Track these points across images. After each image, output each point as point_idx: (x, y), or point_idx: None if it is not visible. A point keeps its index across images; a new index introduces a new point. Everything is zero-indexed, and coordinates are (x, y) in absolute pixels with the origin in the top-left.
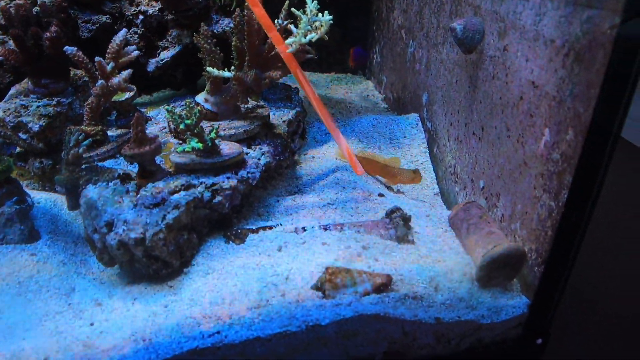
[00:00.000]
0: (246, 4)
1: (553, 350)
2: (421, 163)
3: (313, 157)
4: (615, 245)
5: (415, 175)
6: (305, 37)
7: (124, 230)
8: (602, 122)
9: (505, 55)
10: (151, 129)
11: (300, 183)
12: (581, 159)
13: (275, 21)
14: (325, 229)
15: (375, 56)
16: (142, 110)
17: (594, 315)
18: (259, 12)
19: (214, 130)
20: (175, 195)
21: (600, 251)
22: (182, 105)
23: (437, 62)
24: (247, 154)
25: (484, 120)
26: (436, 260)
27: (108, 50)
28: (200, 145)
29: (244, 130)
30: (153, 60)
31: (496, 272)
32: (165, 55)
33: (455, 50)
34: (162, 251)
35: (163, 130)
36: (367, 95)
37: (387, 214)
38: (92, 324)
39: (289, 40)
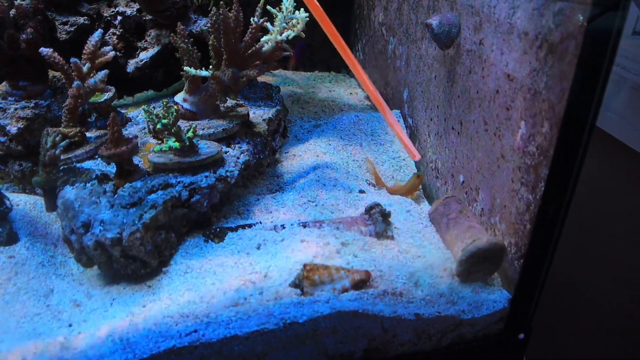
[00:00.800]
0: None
1: (536, 344)
2: (403, 159)
3: (294, 156)
4: (599, 237)
5: (418, 180)
6: (280, 35)
7: (100, 230)
8: (576, 113)
9: (481, 49)
10: (131, 130)
11: (281, 181)
12: (557, 151)
13: (251, 19)
14: (305, 226)
15: (358, 54)
16: (123, 111)
17: (577, 308)
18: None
19: (192, 129)
20: (153, 195)
21: (585, 244)
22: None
23: (417, 58)
24: (226, 152)
25: (462, 115)
26: (416, 256)
27: (84, 51)
28: (177, 144)
29: (223, 129)
30: (132, 61)
31: (476, 266)
32: (145, 55)
33: (433, 46)
34: (140, 251)
35: (143, 131)
36: (351, 93)
37: (367, 210)
38: (70, 325)
39: (265, 37)
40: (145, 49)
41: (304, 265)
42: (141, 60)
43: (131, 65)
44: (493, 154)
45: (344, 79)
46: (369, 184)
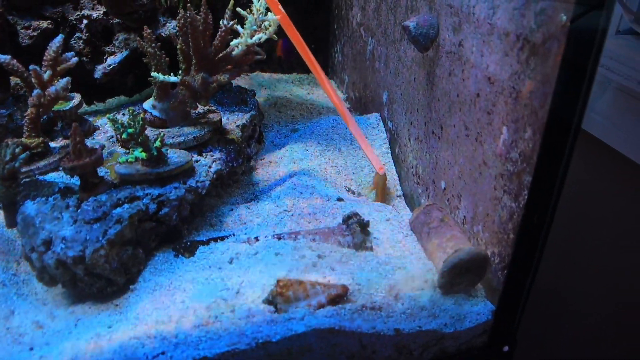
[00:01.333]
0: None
1: (521, 356)
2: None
3: (270, 162)
4: (584, 242)
5: (379, 178)
6: (251, 38)
7: (62, 248)
8: (560, 118)
9: (461, 50)
10: (99, 138)
11: (256, 189)
12: (540, 157)
13: (220, 22)
14: (279, 238)
15: (336, 55)
16: (90, 119)
17: (563, 317)
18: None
19: (159, 139)
20: (118, 209)
21: (570, 249)
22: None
23: (396, 60)
24: (197, 161)
25: (443, 119)
26: (396, 267)
27: (44, 58)
28: (144, 155)
29: (194, 137)
30: (100, 67)
31: (459, 277)
32: (113, 60)
33: (412, 48)
34: (105, 268)
35: (111, 140)
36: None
37: (344, 220)
38: (31, 349)
39: (235, 41)
40: (113, 53)
41: (278, 281)
42: (109, 66)
43: (99, 70)
44: (475, 160)
45: None
46: (348, 191)
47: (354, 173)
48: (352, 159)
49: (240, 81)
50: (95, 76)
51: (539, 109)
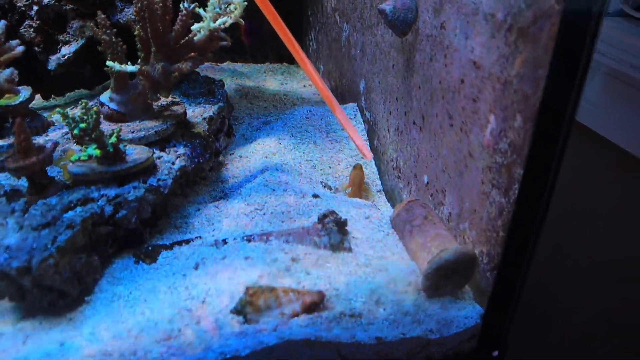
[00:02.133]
0: None
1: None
2: (361, 157)
3: (241, 157)
4: (577, 236)
5: (360, 171)
6: (214, 22)
7: (5, 258)
8: (554, 105)
9: (443, 33)
10: (53, 135)
11: (225, 187)
12: (532, 148)
13: (180, 4)
14: (249, 240)
15: (311, 43)
16: (45, 114)
17: (555, 317)
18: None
19: (115, 134)
20: (70, 212)
21: (562, 244)
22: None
23: (373, 46)
24: (159, 158)
25: (424, 108)
26: (377, 270)
27: None
28: (98, 152)
29: (155, 132)
30: (54, 57)
31: (444, 279)
32: (67, 50)
33: (390, 32)
34: (55, 280)
35: (66, 136)
36: (304, 86)
37: (319, 219)
38: None
39: (196, 26)
40: (67, 42)
41: (247, 289)
42: (63, 56)
43: (52, 61)
44: (460, 152)
45: (297, 70)
46: (325, 187)
47: (330, 167)
48: (328, 152)
49: (210, 71)
50: (49, 67)
51: (530, 95)
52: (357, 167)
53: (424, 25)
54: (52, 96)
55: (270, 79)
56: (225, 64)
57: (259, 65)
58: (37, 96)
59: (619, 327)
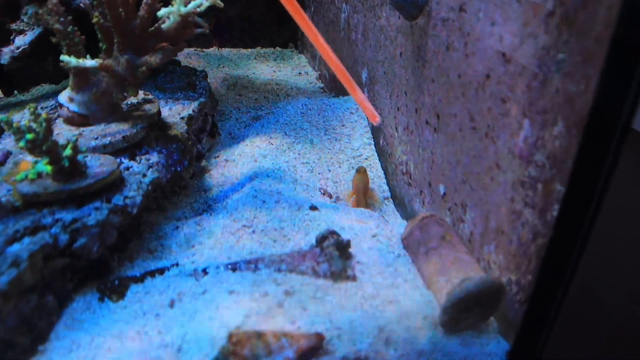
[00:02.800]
0: None
1: None
2: (365, 158)
3: (227, 161)
4: (624, 261)
5: (364, 175)
6: (185, 6)
7: None
8: (606, 109)
9: (463, 17)
10: (7, 142)
11: (209, 198)
12: (577, 162)
13: None
14: (235, 269)
15: None
16: (4, 115)
17: (588, 346)
18: None
19: (70, 145)
20: (15, 245)
21: (605, 269)
22: (49, 107)
23: (376, 30)
24: (128, 168)
25: (440, 106)
26: (386, 302)
27: None
28: (48, 168)
29: (123, 137)
30: (7, 50)
31: (466, 312)
32: (22, 41)
33: (397, 14)
34: None
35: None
36: (300, 73)
37: (318, 242)
38: None
39: (163, 10)
40: (21, 32)
41: (230, 336)
42: (18, 48)
43: (5, 54)
44: (484, 161)
45: (292, 55)
46: (324, 194)
47: (329, 170)
48: (326, 152)
49: (194, 58)
50: (2, 62)
51: (576, 96)
52: (361, 171)
53: (439, 7)
54: (15, 92)
55: (261, 66)
56: (211, 49)
57: (249, 50)
58: None
59: None
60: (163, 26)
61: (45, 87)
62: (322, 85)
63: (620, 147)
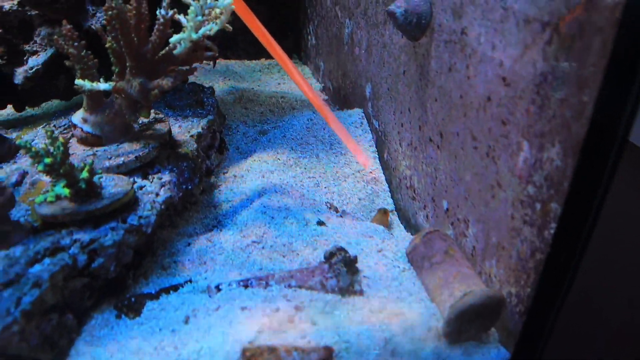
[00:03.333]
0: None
1: None
2: (370, 171)
3: (235, 177)
4: (622, 287)
5: (384, 216)
6: (196, 32)
7: None
8: (601, 134)
9: (464, 40)
10: (22, 162)
11: (218, 213)
12: (573, 185)
13: (157, 12)
14: (246, 286)
15: (309, 37)
16: (12, 135)
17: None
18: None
19: (87, 168)
20: (37, 266)
21: (604, 292)
22: (62, 126)
23: (380, 47)
24: (141, 188)
25: (442, 124)
26: (392, 315)
27: None
28: (66, 191)
29: (136, 157)
30: (20, 70)
31: (468, 324)
32: (35, 61)
33: (399, 33)
34: (21, 348)
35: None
36: None
37: (326, 258)
38: None
39: (176, 37)
40: (35, 52)
41: (243, 351)
42: (31, 68)
43: (19, 74)
44: (485, 179)
45: (296, 66)
46: (330, 208)
47: (335, 185)
48: (332, 166)
49: (200, 72)
50: (16, 82)
51: (572, 121)
52: (381, 212)
53: (441, 29)
54: (25, 108)
55: (266, 79)
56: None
57: (253, 62)
58: (10, 108)
59: None
60: (175, 51)
61: (54, 103)
62: (326, 97)
63: (614, 170)
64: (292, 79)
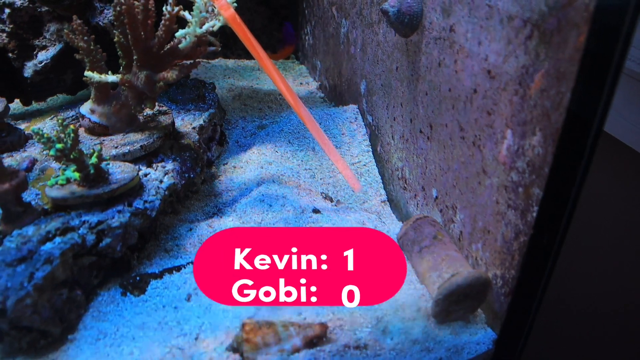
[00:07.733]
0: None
1: None
2: (364, 164)
3: (235, 168)
4: (595, 251)
5: None
6: (201, 27)
7: None
8: (578, 123)
9: (453, 37)
10: (31, 150)
11: (218, 202)
12: (552, 170)
13: (163, 8)
14: None
15: (307, 37)
16: (21, 127)
17: (570, 334)
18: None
19: (95, 155)
20: (48, 244)
21: (580, 259)
22: (69, 117)
23: (374, 45)
24: (146, 175)
25: (432, 117)
26: None
27: None
28: (76, 175)
29: (141, 146)
30: (30, 64)
31: (456, 304)
32: (45, 56)
33: (393, 31)
34: (34, 320)
35: (45, 152)
36: (301, 83)
37: None
38: None
39: (181, 32)
40: (44, 47)
41: (243, 325)
42: (40, 62)
43: (29, 68)
44: (472, 167)
45: (293, 66)
46: (325, 198)
47: (330, 176)
48: (327, 159)
49: (201, 69)
50: (26, 75)
51: (551, 110)
52: None
53: (431, 26)
54: (32, 102)
55: (264, 77)
56: (216, 60)
57: (252, 61)
58: (17, 102)
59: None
60: (180, 46)
61: (60, 98)
62: (322, 94)
63: (591, 156)
64: (286, 99)
